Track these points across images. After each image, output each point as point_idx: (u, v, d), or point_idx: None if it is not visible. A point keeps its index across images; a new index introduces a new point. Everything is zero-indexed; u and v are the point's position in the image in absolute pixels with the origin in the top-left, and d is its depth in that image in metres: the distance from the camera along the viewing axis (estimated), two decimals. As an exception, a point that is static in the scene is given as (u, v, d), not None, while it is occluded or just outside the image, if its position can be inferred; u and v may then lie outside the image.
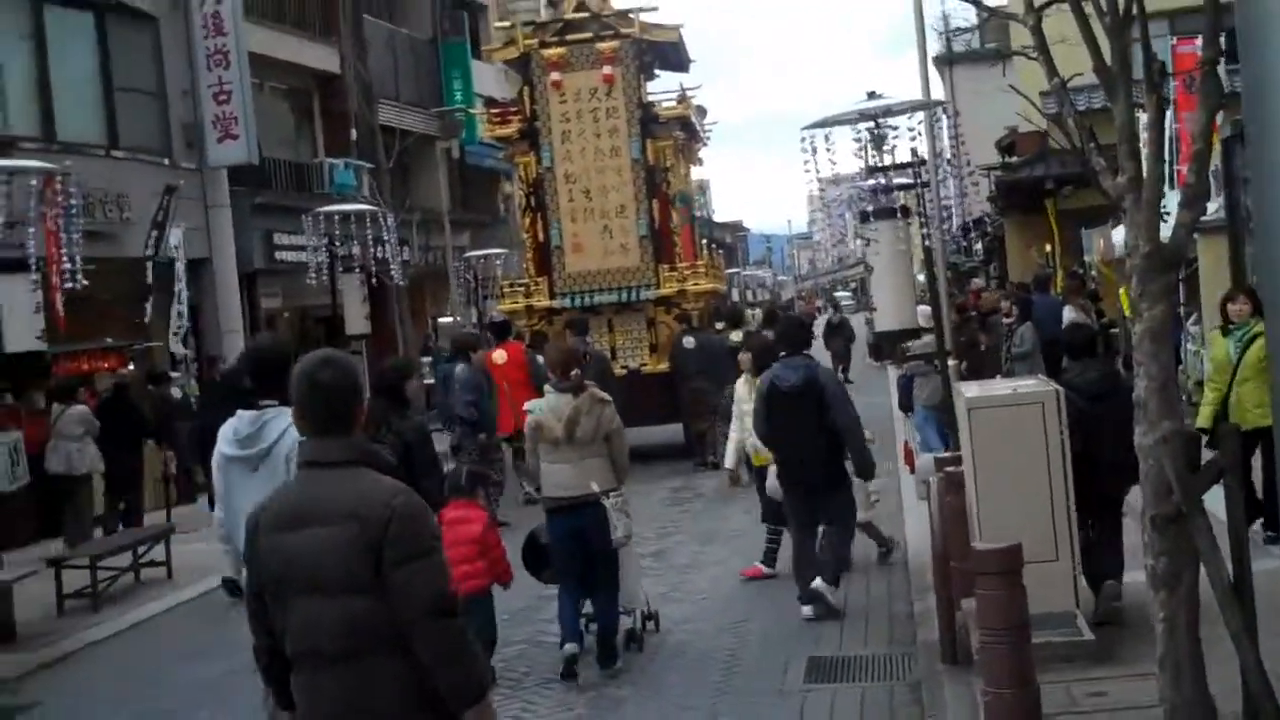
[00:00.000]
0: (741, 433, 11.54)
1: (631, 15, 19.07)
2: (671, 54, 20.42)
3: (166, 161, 21.37)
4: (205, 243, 21.89)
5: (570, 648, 8.62)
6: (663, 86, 21.35)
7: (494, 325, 17.93)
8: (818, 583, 9.53)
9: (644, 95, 19.42)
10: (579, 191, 18.95)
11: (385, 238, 19.60)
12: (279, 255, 24.22)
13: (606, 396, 8.84)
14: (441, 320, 33.23)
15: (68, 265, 12.71)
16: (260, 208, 23.92)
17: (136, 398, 16.44)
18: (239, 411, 6.31)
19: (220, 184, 22.58)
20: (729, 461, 12.32)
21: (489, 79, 36.14)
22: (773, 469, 10.38)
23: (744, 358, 11.87)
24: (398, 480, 4.01)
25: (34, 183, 12.07)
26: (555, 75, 18.85)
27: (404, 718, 3.86)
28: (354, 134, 27.88)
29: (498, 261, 27.47)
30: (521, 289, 19.50)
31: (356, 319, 19.61)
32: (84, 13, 20.37)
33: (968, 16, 45.51)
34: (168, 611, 11.95)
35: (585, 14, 18.89)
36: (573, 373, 8.76)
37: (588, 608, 8.91)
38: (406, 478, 7.58)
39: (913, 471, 13.91)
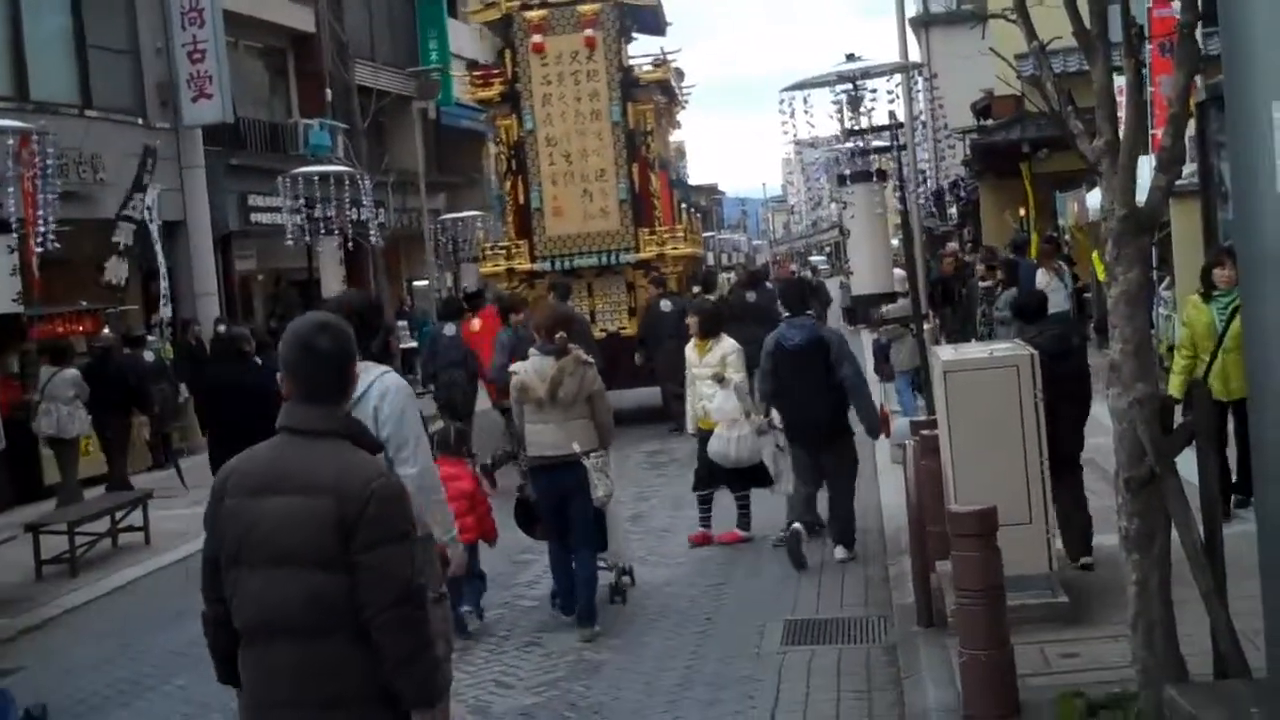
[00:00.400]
0: (693, 398, 11.33)
1: None
2: (649, 17, 20.44)
3: (141, 121, 21.22)
4: (180, 204, 21.77)
5: (565, 618, 8.94)
6: (640, 50, 21.38)
7: (468, 295, 17.94)
8: (839, 552, 10.13)
9: (624, 59, 19.42)
10: (559, 155, 18.97)
11: (362, 200, 19.53)
12: (254, 217, 24.10)
13: (589, 359, 9.04)
14: (417, 283, 33.17)
15: (42, 227, 12.61)
16: (235, 169, 23.79)
17: (119, 361, 16.40)
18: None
19: (195, 144, 22.44)
20: (690, 428, 11.76)
21: (465, 39, 35.94)
22: (718, 431, 10.68)
23: (691, 321, 11.58)
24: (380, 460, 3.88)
25: (10, 142, 11.98)
26: (536, 38, 18.82)
27: (362, 705, 3.71)
28: (329, 94, 27.72)
29: (479, 225, 27.39)
30: (502, 252, 19.50)
31: (333, 282, 19.52)
32: (56, -31, 20.17)
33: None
34: (146, 577, 11.92)
35: (564, -22, 18.87)
36: (557, 335, 8.87)
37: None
38: None
39: (888, 436, 13.96)
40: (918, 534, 8.09)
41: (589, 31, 18.75)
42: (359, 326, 6.61)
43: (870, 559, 10.10)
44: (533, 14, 18.85)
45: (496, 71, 20.06)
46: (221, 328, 17.99)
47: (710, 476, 11.12)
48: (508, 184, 19.72)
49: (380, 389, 5.89)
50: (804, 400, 10.12)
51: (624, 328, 18.95)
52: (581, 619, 8.78)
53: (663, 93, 20.18)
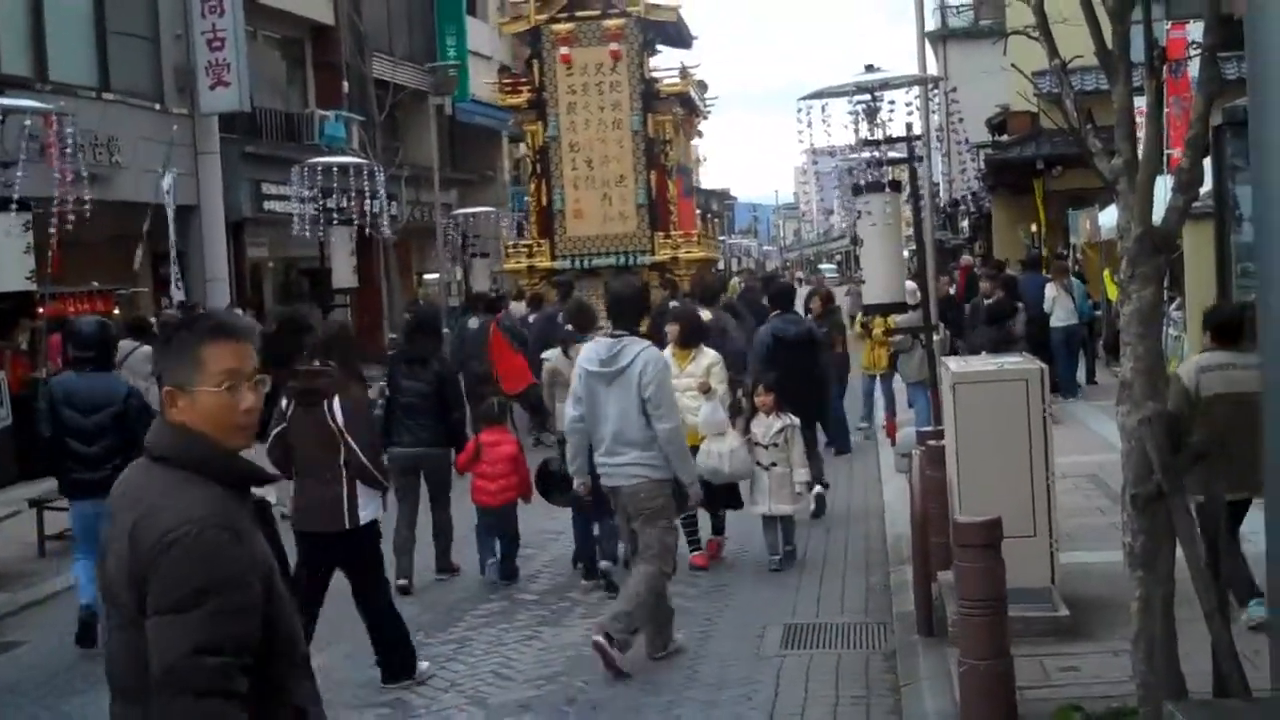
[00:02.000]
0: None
1: None
2: (673, 31, 21.47)
3: (158, 106, 21.29)
4: (194, 190, 21.83)
5: (602, 569, 9.83)
6: (664, 62, 22.22)
7: (495, 297, 19.09)
8: (818, 489, 11.48)
9: (647, 71, 20.44)
10: (582, 160, 20.04)
11: (376, 192, 19.64)
12: (267, 205, 24.16)
13: None
14: (427, 276, 33.21)
15: (70, 204, 12.60)
16: (250, 156, 23.84)
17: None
18: (597, 338, 8.44)
19: (210, 131, 22.51)
20: None
21: (483, 37, 36.01)
22: (706, 446, 10.01)
23: (671, 329, 10.70)
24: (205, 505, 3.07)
25: (27, 122, 12.01)
26: (564, 50, 19.89)
27: None
28: (346, 86, 27.76)
29: (503, 223, 27.81)
30: (525, 250, 20.61)
31: (344, 272, 19.61)
32: (80, -49, 20.28)
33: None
34: (148, 556, 11.95)
35: (593, -9, 19.79)
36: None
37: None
38: (439, 409, 9.35)
39: (894, 444, 14.04)
40: (920, 543, 8.12)
41: (614, 45, 19.82)
42: (626, 310, 8.22)
43: (872, 566, 10.14)
44: (561, 27, 19.92)
45: (524, 80, 21.21)
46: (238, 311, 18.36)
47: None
48: (531, 186, 20.87)
49: (644, 359, 7.90)
50: (799, 383, 11.40)
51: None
52: (589, 571, 9.97)
53: (683, 105, 21.33)
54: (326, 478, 7.67)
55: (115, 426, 8.81)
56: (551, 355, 10.58)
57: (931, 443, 8.55)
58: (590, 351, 8.21)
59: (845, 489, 13.26)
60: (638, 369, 7.87)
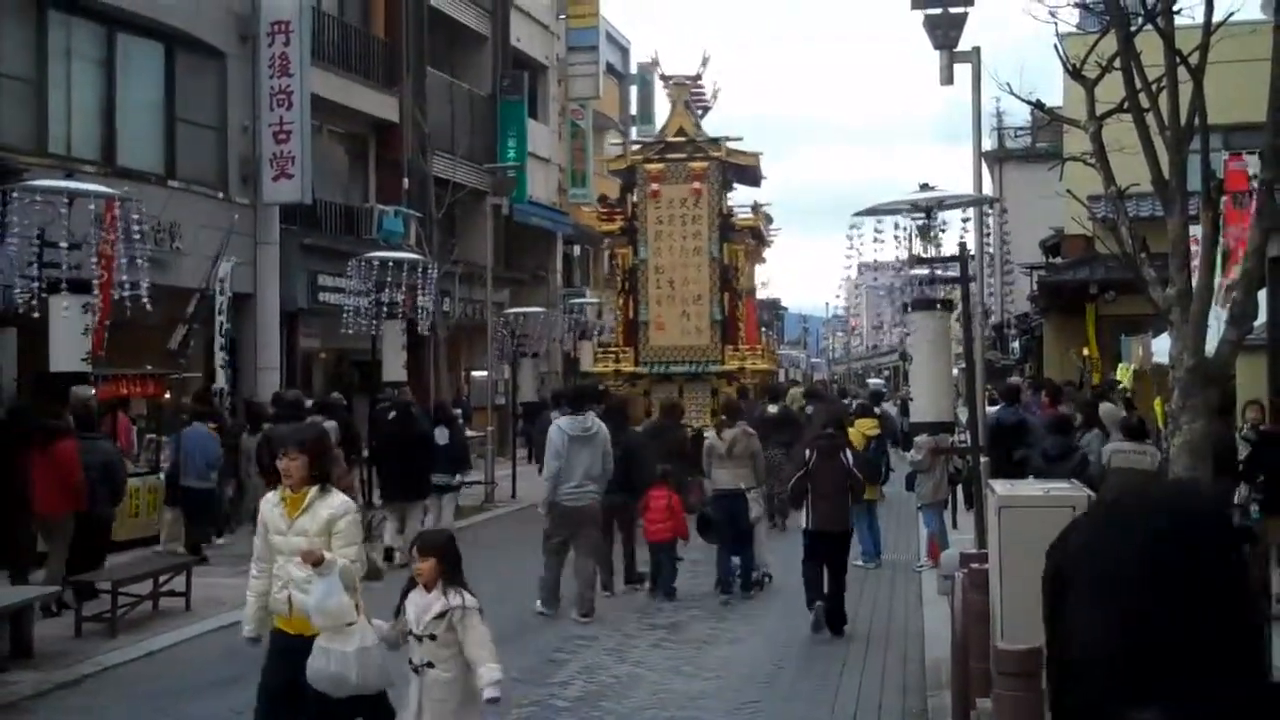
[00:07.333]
0: (265, 581, 7.29)
1: (720, 141, 23.52)
2: (748, 173, 24.39)
3: (221, 195, 21.66)
4: (251, 278, 22.13)
5: (722, 598, 13.62)
6: (738, 198, 25.41)
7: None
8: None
9: (724, 206, 23.58)
10: (665, 281, 23.20)
11: (429, 288, 19.85)
12: (322, 296, 24.42)
13: (753, 430, 14.55)
14: (475, 374, 33.36)
15: (126, 290, 12.81)
16: (308, 248, 24.16)
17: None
18: (572, 415, 13.20)
19: (271, 221, 22.86)
20: (250, 628, 7.38)
21: (542, 140, 36.48)
22: (321, 643, 6.69)
23: (290, 465, 6.97)
24: None
25: (91, 206, 12.24)
26: (654, 186, 23.04)
27: None
28: (406, 182, 28.15)
29: (554, 324, 28.85)
30: (612, 356, 23.70)
31: (394, 365, 19.76)
32: (155, 43, 20.80)
33: (1023, 113, 45.77)
34: (185, 643, 11.94)
35: (682, 138, 23.20)
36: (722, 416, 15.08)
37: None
38: (626, 473, 14.01)
39: (935, 565, 13.89)
40: (960, 668, 7.99)
41: (697, 184, 22.86)
42: (578, 395, 13.99)
43: (910, 689, 9.98)
44: (653, 166, 23.15)
45: (619, 210, 24.78)
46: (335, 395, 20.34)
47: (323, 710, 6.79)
48: (619, 300, 24.17)
49: (604, 429, 13.20)
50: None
51: (706, 425, 20.95)
52: (744, 588, 13.85)
53: (753, 236, 24.52)
54: (837, 500, 11.97)
55: None
56: (709, 436, 14.53)
57: (975, 565, 8.43)
58: (567, 423, 13.01)
59: (885, 609, 13.12)
60: (602, 435, 13.07)
